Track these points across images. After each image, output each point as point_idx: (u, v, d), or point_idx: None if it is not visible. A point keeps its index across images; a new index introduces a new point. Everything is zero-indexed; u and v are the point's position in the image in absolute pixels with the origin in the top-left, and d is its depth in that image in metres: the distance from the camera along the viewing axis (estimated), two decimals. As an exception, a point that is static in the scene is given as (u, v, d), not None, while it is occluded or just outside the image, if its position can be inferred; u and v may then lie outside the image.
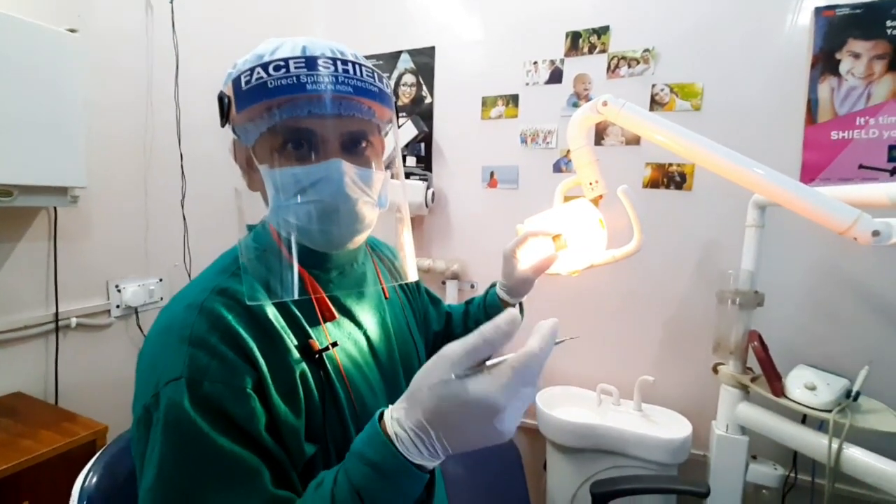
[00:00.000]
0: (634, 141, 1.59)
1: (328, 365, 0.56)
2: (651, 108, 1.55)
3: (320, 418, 0.55)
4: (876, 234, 0.65)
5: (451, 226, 1.93)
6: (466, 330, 0.45)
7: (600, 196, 0.87)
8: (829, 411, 1.08)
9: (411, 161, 1.95)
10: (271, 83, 0.50)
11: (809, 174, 1.38)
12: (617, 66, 1.60)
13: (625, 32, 1.58)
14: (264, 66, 0.51)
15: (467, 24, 1.83)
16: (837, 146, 1.34)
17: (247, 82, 0.51)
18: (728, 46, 1.45)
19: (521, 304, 0.88)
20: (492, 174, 1.83)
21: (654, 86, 1.55)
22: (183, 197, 1.65)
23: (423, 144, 1.93)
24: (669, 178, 1.56)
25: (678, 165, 1.54)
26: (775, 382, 1.18)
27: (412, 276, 0.67)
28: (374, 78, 0.55)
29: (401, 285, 0.79)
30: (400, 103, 1.97)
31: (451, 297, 1.87)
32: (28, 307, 1.30)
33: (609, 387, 1.56)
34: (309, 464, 0.53)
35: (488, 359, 0.42)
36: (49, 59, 1.18)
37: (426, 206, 1.84)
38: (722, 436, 1.28)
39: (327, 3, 2.09)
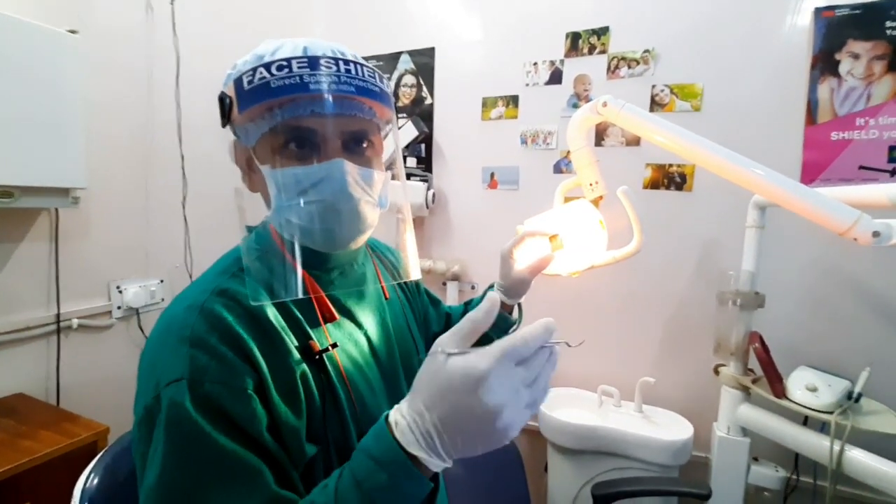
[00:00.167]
0: (634, 142, 1.59)
1: (328, 366, 0.56)
2: (651, 109, 1.56)
3: (321, 419, 0.55)
4: (876, 234, 0.65)
5: (451, 227, 1.93)
6: None
7: (600, 197, 0.87)
8: (831, 413, 1.07)
9: (412, 162, 1.95)
10: (274, 83, 0.51)
11: (809, 175, 1.38)
12: (617, 67, 1.60)
13: (625, 33, 1.58)
14: (267, 66, 0.51)
15: (467, 24, 1.83)
16: (837, 147, 1.34)
17: (249, 82, 0.51)
18: (728, 47, 1.46)
19: (519, 306, 0.88)
20: (492, 175, 1.83)
21: (653, 86, 1.55)
22: (184, 197, 1.65)
23: (423, 145, 1.93)
24: (669, 178, 1.56)
25: (678, 166, 1.54)
26: (776, 384, 1.17)
27: (415, 274, 0.67)
28: (375, 78, 0.56)
29: (401, 286, 0.79)
30: (400, 104, 1.97)
31: (452, 298, 1.87)
32: (29, 308, 1.31)
33: (610, 388, 1.56)
34: (309, 465, 0.53)
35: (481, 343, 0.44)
36: (50, 60, 1.18)
37: (426, 206, 1.84)
38: (723, 437, 1.28)
39: (327, 3, 2.10)
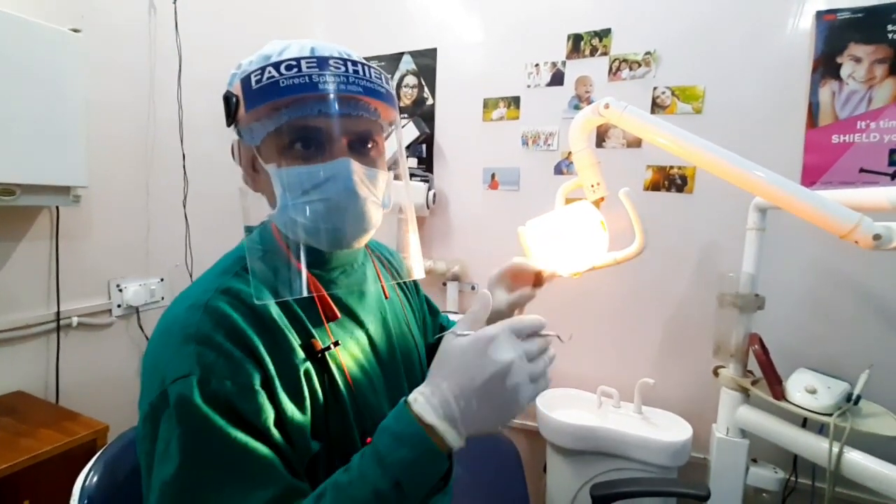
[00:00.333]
0: (636, 143, 1.59)
1: (331, 364, 0.57)
2: (652, 111, 1.56)
3: (323, 416, 0.55)
4: (877, 237, 0.65)
5: (452, 227, 1.93)
6: None
7: (602, 198, 0.87)
8: (830, 415, 1.07)
9: (413, 162, 1.95)
10: (283, 82, 0.51)
11: (810, 177, 1.38)
12: (618, 69, 1.60)
13: (626, 35, 1.58)
14: (275, 66, 0.51)
15: (469, 25, 1.83)
16: (838, 150, 1.35)
17: (257, 81, 0.52)
18: (729, 49, 1.46)
19: None
20: (493, 176, 1.83)
21: (655, 88, 1.55)
22: (185, 196, 1.65)
23: (424, 146, 1.93)
24: (670, 180, 1.56)
25: (679, 168, 1.54)
26: (776, 386, 1.18)
27: (418, 273, 0.67)
28: (381, 79, 0.56)
29: (399, 285, 0.79)
30: (401, 104, 1.97)
31: (452, 298, 1.87)
32: (29, 306, 1.31)
33: (609, 389, 1.56)
34: (312, 462, 0.54)
35: None
36: (52, 59, 1.18)
37: (427, 207, 1.84)
38: (722, 439, 1.28)
39: (328, 4, 2.10)
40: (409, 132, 1.82)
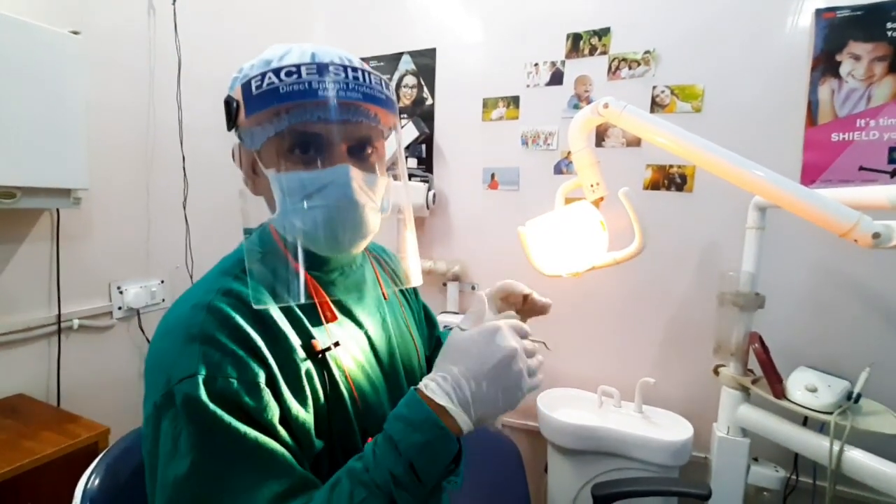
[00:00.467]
0: (635, 143, 1.59)
1: (331, 364, 0.57)
2: (652, 110, 1.56)
3: (325, 416, 0.56)
4: (876, 236, 0.65)
5: (452, 227, 1.93)
6: None
7: (601, 198, 0.87)
8: (831, 413, 1.07)
9: (412, 162, 1.95)
10: (283, 88, 0.51)
11: (810, 176, 1.38)
12: (618, 68, 1.60)
13: (625, 34, 1.58)
14: (276, 72, 0.52)
15: (468, 25, 1.83)
16: (838, 148, 1.35)
17: (258, 87, 0.52)
18: (728, 48, 1.46)
19: None
20: (493, 176, 1.83)
21: (654, 87, 1.55)
22: (185, 198, 1.65)
23: (423, 146, 1.93)
24: (670, 179, 1.56)
25: (679, 167, 1.54)
26: (776, 384, 1.18)
27: (416, 280, 0.68)
28: (381, 85, 0.57)
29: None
30: (401, 105, 1.97)
31: (453, 298, 1.87)
32: (30, 309, 1.31)
33: (610, 388, 1.56)
34: (316, 461, 0.54)
35: None
36: (52, 61, 1.18)
37: (427, 207, 1.84)
38: (723, 438, 1.28)
39: (329, 4, 2.10)
40: (409, 132, 1.82)
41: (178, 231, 1.65)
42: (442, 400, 0.48)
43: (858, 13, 1.31)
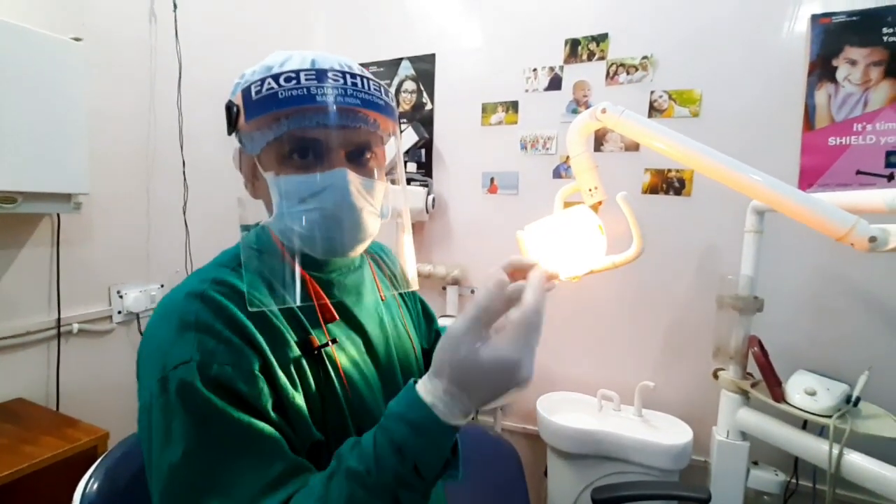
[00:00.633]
0: (633, 147, 1.60)
1: (327, 362, 0.58)
2: (650, 115, 1.57)
3: (319, 412, 0.56)
4: (873, 239, 0.65)
5: (451, 231, 1.94)
6: None
7: (600, 202, 0.88)
8: (830, 417, 1.08)
9: (412, 167, 1.96)
10: (282, 94, 0.52)
11: (807, 180, 1.38)
12: (616, 73, 1.61)
13: (623, 40, 1.59)
14: (275, 77, 0.52)
15: (467, 31, 1.84)
16: (835, 152, 1.35)
17: (257, 92, 0.53)
18: (726, 53, 1.47)
19: None
20: (492, 180, 1.84)
21: (652, 92, 1.56)
22: (185, 203, 1.65)
23: (423, 150, 1.94)
24: (668, 183, 1.56)
25: (677, 171, 1.55)
26: (775, 388, 1.18)
27: (413, 285, 0.68)
28: (380, 91, 0.57)
29: (396, 286, 0.80)
30: (401, 110, 1.98)
31: (452, 302, 1.88)
32: (30, 313, 1.31)
33: (609, 392, 1.56)
34: (316, 449, 0.55)
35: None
36: (53, 67, 1.19)
37: (426, 211, 1.84)
38: (723, 441, 1.28)
39: (329, 11, 2.11)
40: (409, 137, 1.83)
41: (178, 236, 1.66)
42: (452, 420, 0.45)
43: (854, 18, 1.32)
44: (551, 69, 1.70)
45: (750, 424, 1.23)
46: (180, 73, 1.61)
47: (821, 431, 1.12)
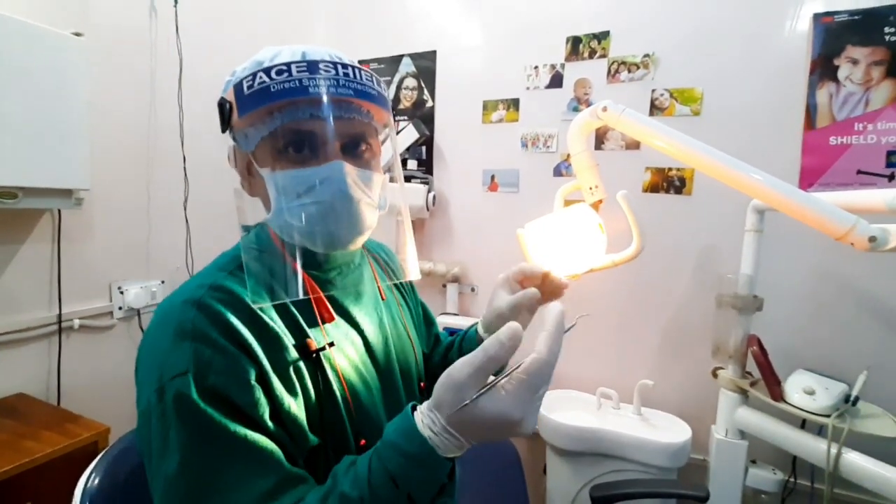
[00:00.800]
0: (634, 145, 1.60)
1: (325, 364, 0.57)
2: (651, 113, 1.56)
3: (318, 415, 0.56)
4: (873, 239, 0.65)
5: (451, 229, 1.94)
6: (444, 365, 0.49)
7: (600, 201, 0.88)
8: (828, 416, 1.08)
9: (412, 164, 1.96)
10: (274, 87, 0.51)
11: (808, 179, 1.38)
12: (617, 71, 1.61)
13: (625, 37, 1.59)
14: (266, 71, 0.52)
15: (468, 28, 1.84)
16: (836, 151, 1.35)
17: (249, 87, 0.52)
18: (727, 52, 1.46)
19: None
20: (492, 177, 1.84)
21: (653, 90, 1.56)
22: (185, 199, 1.66)
23: (424, 148, 1.94)
24: (669, 182, 1.56)
25: (678, 170, 1.55)
26: (774, 387, 1.18)
27: (414, 274, 0.68)
28: (373, 82, 0.57)
29: (396, 286, 0.80)
30: (401, 107, 1.98)
31: (452, 300, 1.88)
32: (31, 308, 1.31)
33: (609, 390, 1.57)
34: (313, 454, 0.55)
35: (500, 370, 0.45)
36: (54, 63, 1.19)
37: (427, 209, 1.84)
38: (721, 440, 1.28)
39: (329, 7, 2.11)
40: (409, 134, 1.82)
41: (179, 232, 1.66)
42: (448, 454, 0.45)
43: (856, 18, 1.31)
44: (552, 67, 1.70)
45: (749, 423, 1.24)
46: (181, 69, 1.60)
47: (819, 431, 1.12)
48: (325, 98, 0.52)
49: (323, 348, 0.57)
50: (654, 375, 1.54)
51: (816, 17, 1.35)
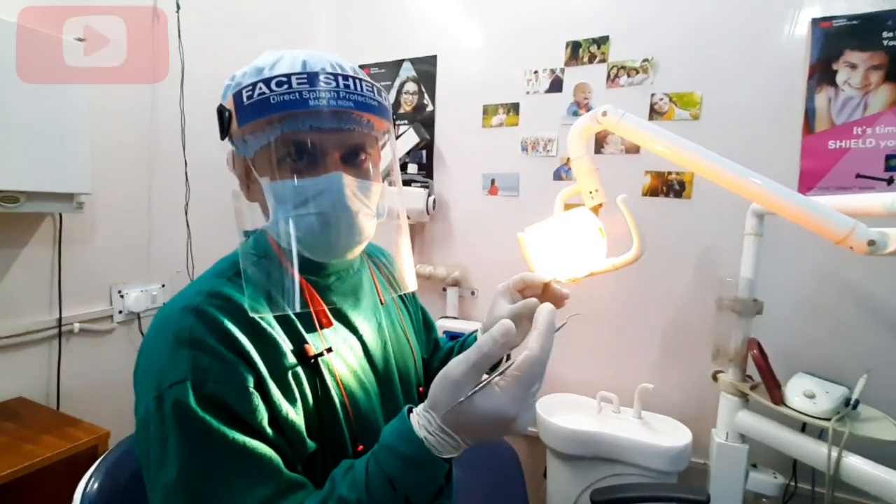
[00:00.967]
0: (634, 149, 1.60)
1: (323, 370, 0.57)
2: (650, 117, 1.57)
3: (316, 420, 0.56)
4: (872, 243, 0.66)
5: (452, 233, 1.94)
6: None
7: (600, 205, 0.88)
8: (829, 419, 1.08)
9: (413, 168, 1.96)
10: (274, 99, 0.51)
11: (807, 183, 1.39)
12: (616, 76, 1.61)
13: (624, 42, 1.60)
14: (266, 82, 0.52)
15: (469, 32, 1.85)
16: (835, 155, 1.36)
17: (249, 97, 0.52)
18: (726, 56, 1.47)
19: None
20: (493, 181, 1.84)
21: (653, 95, 1.56)
22: (186, 203, 1.66)
23: (424, 152, 1.94)
24: (669, 186, 1.57)
25: (677, 174, 1.55)
26: (774, 390, 1.18)
27: (411, 286, 0.68)
28: (373, 92, 0.57)
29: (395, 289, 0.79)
30: (402, 111, 1.98)
31: (452, 303, 1.88)
32: (32, 312, 1.31)
33: (609, 394, 1.56)
34: (311, 459, 0.55)
35: (495, 366, 0.45)
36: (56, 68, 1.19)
37: (427, 213, 1.85)
38: (722, 444, 1.28)
39: (330, 12, 2.12)
40: (409, 138, 1.83)
41: (180, 235, 1.66)
42: (444, 455, 0.46)
43: (854, 22, 1.32)
44: (552, 71, 1.71)
45: (749, 427, 1.24)
46: (182, 72, 1.61)
47: (820, 434, 1.12)
48: (324, 110, 0.53)
49: (321, 354, 0.57)
50: (654, 379, 1.53)
51: (815, 21, 1.36)
